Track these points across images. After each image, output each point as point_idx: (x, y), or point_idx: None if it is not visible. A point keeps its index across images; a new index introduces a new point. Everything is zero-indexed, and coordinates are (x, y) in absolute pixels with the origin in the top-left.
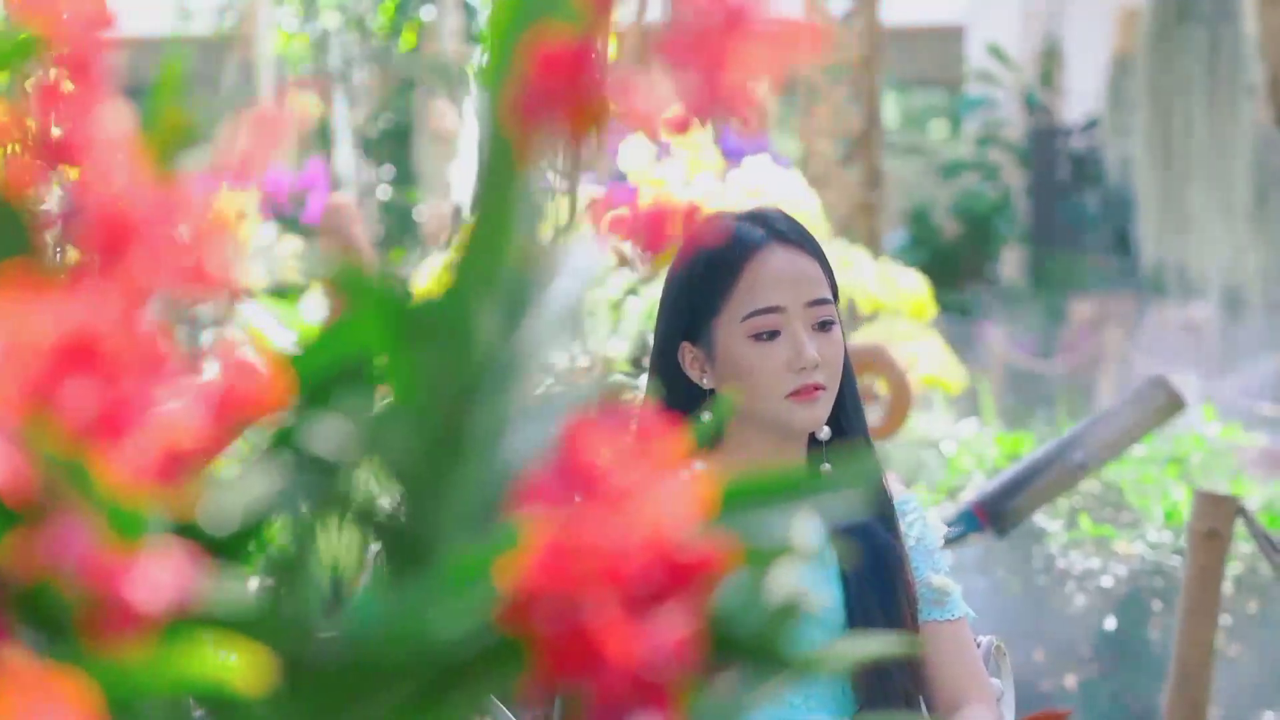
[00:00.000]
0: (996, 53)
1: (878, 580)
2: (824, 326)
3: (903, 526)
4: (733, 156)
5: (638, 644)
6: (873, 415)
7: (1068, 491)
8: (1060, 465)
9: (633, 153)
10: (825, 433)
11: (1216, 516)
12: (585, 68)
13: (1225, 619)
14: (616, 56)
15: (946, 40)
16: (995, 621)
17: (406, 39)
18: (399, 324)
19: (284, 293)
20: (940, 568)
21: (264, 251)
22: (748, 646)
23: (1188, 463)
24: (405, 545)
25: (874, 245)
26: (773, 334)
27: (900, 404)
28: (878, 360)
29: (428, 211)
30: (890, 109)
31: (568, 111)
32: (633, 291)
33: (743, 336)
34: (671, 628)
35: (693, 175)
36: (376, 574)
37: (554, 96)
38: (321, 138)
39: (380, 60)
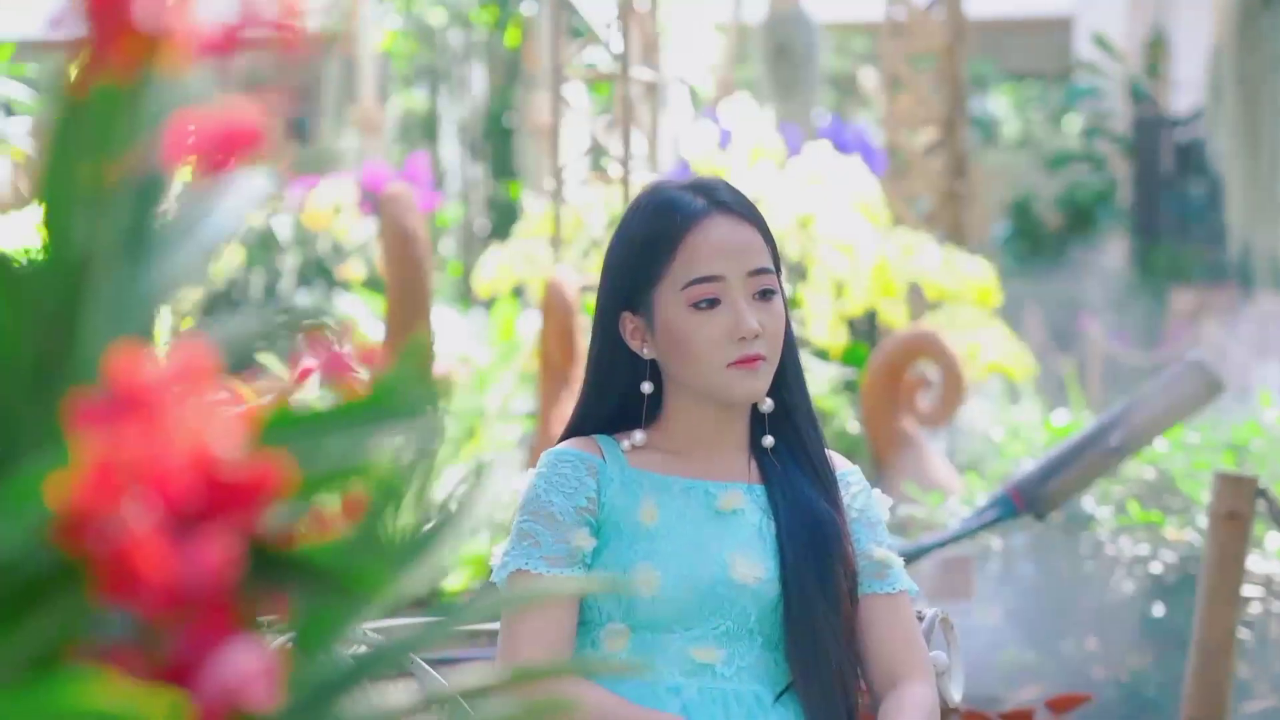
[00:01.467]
0: (1103, 43)
1: (814, 552)
2: (764, 296)
3: (846, 499)
4: (840, 145)
5: (177, 562)
6: (925, 401)
7: (1106, 475)
8: (1096, 449)
9: (695, 138)
10: (768, 404)
11: (1236, 498)
12: None
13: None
14: None
15: (1054, 31)
16: (1044, 607)
17: (510, 34)
18: None
19: (381, 285)
20: (883, 540)
21: (362, 245)
22: (317, 573)
23: (1247, 450)
24: None
25: (959, 234)
26: (712, 302)
27: (952, 390)
28: (930, 346)
29: (529, 205)
30: (999, 101)
31: (109, 32)
32: None
33: (683, 306)
34: (213, 547)
35: (754, 161)
36: None
37: (98, 16)
38: (426, 132)
39: (485, 55)
